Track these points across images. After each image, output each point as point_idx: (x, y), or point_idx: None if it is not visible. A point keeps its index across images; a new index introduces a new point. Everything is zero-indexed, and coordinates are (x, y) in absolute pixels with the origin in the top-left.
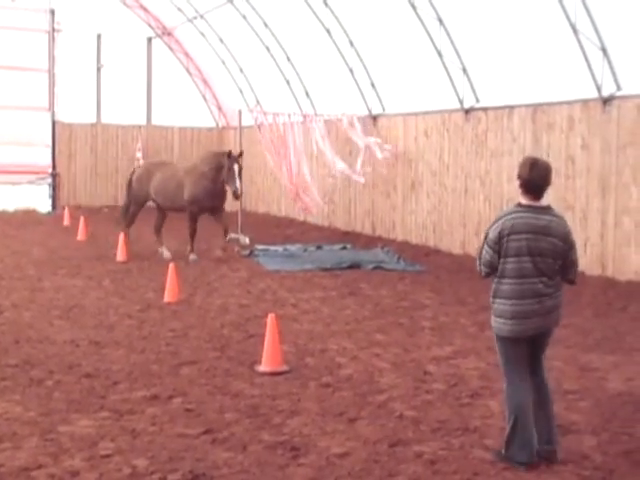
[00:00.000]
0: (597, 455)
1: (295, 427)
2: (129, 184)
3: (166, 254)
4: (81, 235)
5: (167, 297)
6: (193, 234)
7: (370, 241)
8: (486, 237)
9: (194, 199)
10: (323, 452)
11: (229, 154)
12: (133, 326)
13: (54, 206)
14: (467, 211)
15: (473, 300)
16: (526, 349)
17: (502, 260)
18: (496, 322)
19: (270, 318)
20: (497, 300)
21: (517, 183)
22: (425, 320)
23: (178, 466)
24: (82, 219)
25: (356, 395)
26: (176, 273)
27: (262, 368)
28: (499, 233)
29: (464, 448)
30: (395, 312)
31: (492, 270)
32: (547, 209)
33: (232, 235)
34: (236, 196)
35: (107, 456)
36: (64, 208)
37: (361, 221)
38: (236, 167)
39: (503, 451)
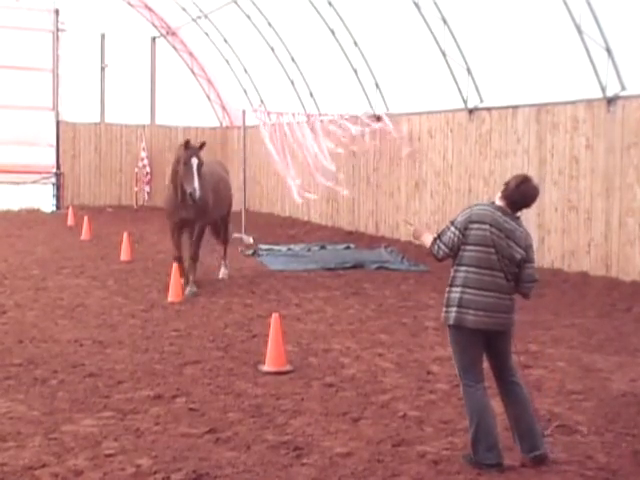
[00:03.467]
0: (601, 455)
1: (298, 427)
2: None
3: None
4: (85, 235)
5: (171, 297)
6: (176, 260)
7: (374, 241)
8: (453, 221)
9: (166, 210)
10: (326, 452)
11: (186, 144)
12: (137, 326)
13: (58, 206)
14: None
15: None
16: (480, 349)
17: (463, 247)
18: (447, 312)
19: (274, 318)
20: (453, 289)
21: (502, 188)
22: (429, 320)
23: (182, 465)
24: (86, 219)
25: (359, 395)
26: (179, 272)
27: (266, 368)
28: (467, 219)
29: (468, 448)
30: (399, 312)
31: (451, 251)
32: (516, 218)
33: (236, 234)
34: (193, 199)
35: (111, 455)
36: (68, 208)
37: (365, 221)
38: (194, 162)
39: (472, 456)
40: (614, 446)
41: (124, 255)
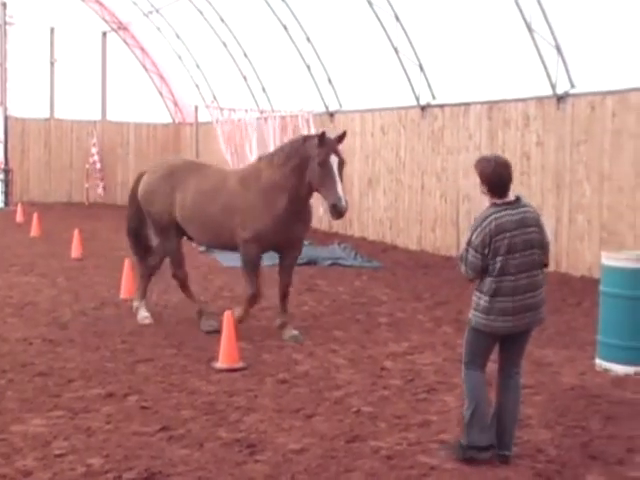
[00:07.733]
0: (551, 448)
1: (252, 424)
2: (132, 196)
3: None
4: (34, 232)
5: (123, 294)
6: (253, 300)
7: (327, 237)
8: (469, 242)
9: (258, 233)
10: (280, 448)
11: (321, 137)
12: (88, 323)
13: (7, 202)
14: (424, 207)
15: (429, 296)
16: (496, 342)
17: (492, 261)
18: (483, 319)
19: (226, 315)
20: (490, 298)
21: (484, 189)
22: (382, 316)
23: (134, 464)
24: (36, 215)
25: (313, 391)
26: (132, 269)
27: (219, 365)
28: (485, 236)
29: (421, 443)
30: (352, 308)
31: (479, 273)
32: (518, 201)
33: None
34: (339, 212)
35: (61, 455)
36: (17, 204)
37: (318, 217)
38: (334, 160)
39: (463, 440)
40: (564, 439)
41: (75, 252)
